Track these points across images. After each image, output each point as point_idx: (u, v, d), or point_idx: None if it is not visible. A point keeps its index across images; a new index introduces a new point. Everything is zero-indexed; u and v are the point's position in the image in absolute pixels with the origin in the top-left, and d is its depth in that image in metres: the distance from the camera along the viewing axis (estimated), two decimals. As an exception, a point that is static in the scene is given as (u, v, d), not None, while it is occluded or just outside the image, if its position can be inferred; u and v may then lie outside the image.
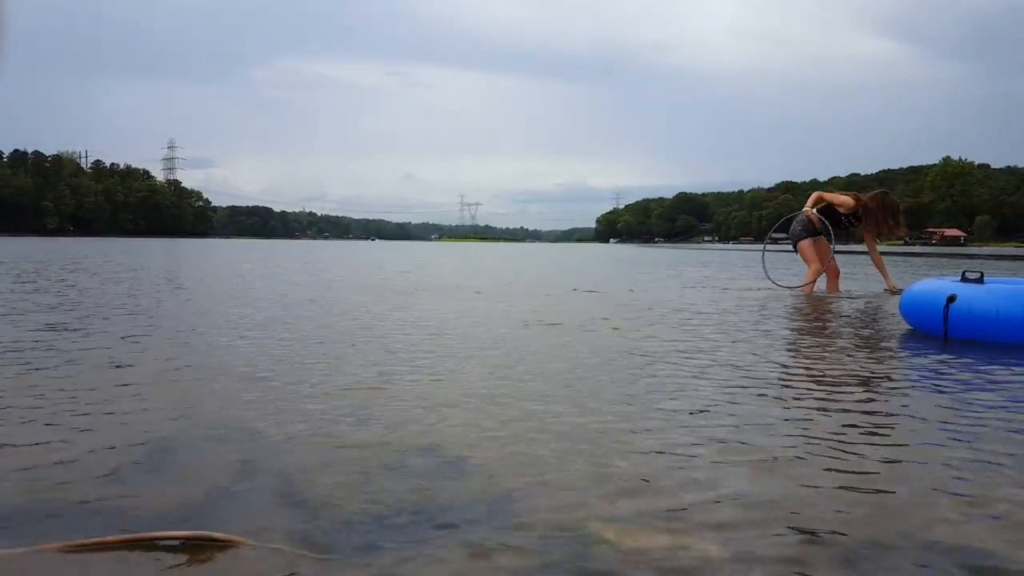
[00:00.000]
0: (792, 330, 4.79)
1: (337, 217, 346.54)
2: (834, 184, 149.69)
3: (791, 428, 2.26)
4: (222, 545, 1.37)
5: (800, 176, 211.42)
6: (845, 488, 1.73)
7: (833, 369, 3.32)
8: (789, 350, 3.90)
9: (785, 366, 3.41)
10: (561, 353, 3.72)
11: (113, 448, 1.99)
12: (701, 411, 2.46)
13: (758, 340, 4.17)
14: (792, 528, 1.48)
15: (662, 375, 3.10)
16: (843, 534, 1.46)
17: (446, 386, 2.85)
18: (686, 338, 4.23)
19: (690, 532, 1.46)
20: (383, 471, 1.82)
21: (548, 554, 1.35)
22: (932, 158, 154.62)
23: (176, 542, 1.38)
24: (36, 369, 3.14)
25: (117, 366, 3.24)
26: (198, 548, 1.37)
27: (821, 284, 8.11)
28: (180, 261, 17.69)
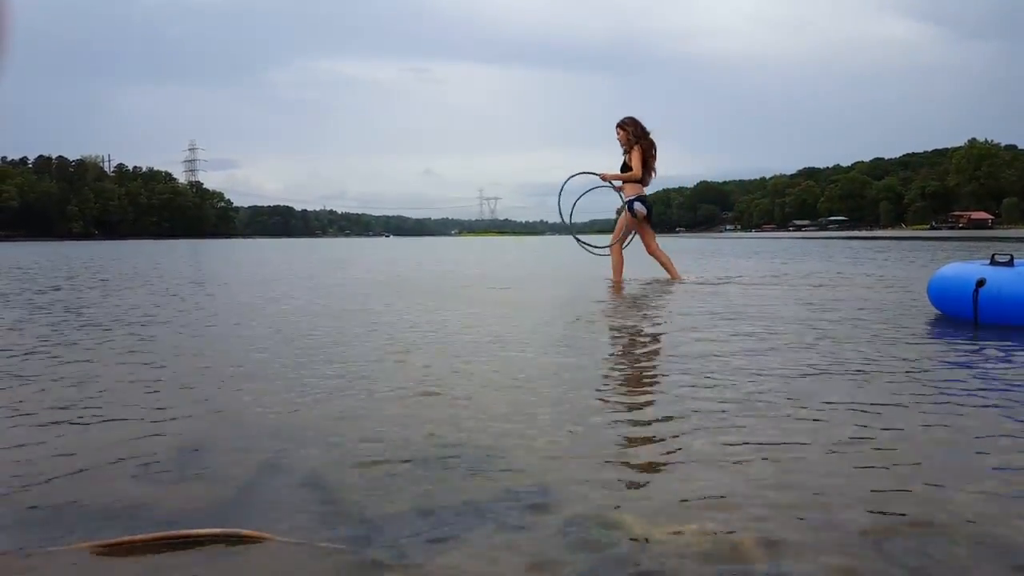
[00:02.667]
0: (817, 317, 4.63)
1: (357, 215, 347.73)
2: (857, 169, 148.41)
3: (829, 418, 2.19)
4: (251, 541, 1.38)
5: (823, 162, 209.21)
6: (879, 478, 1.68)
7: (865, 356, 3.22)
8: (821, 338, 3.76)
9: (819, 354, 3.30)
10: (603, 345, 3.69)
11: (144, 445, 2.01)
12: (739, 400, 2.41)
13: (788, 327, 4.09)
14: (831, 522, 1.44)
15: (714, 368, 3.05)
16: (874, 521, 1.43)
17: (498, 391, 2.74)
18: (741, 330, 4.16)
19: (728, 523, 1.43)
20: (414, 467, 1.81)
21: (578, 549, 1.33)
22: (957, 140, 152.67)
23: (206, 540, 1.39)
24: (64, 363, 3.16)
25: (160, 365, 3.22)
26: (228, 545, 1.37)
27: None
28: (202, 259, 17.94)
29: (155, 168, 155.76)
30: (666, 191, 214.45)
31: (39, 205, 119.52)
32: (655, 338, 4.02)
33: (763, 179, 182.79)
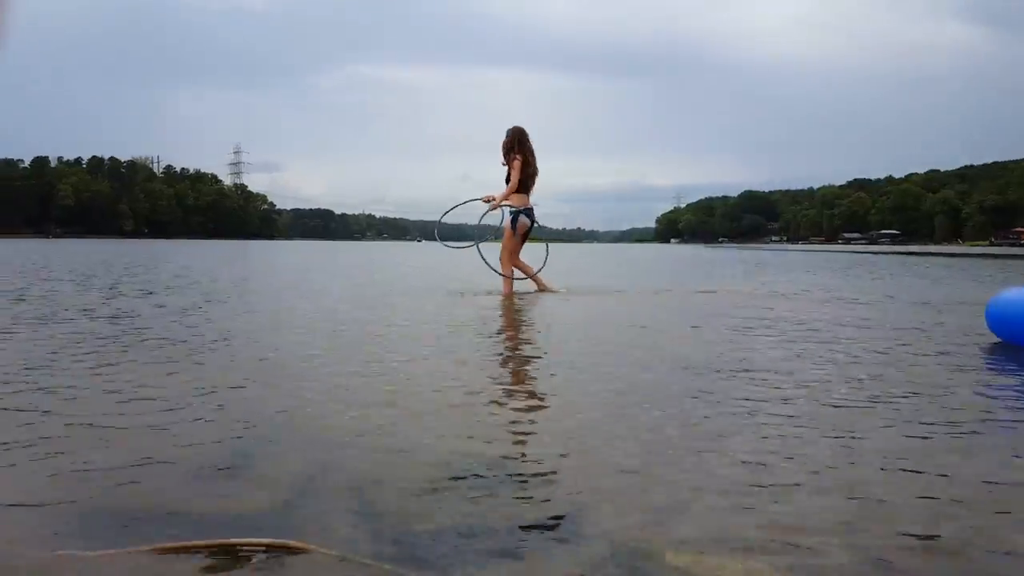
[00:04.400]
0: (867, 348, 4.56)
1: (395, 219, 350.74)
2: (911, 181, 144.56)
3: (884, 448, 2.13)
4: (297, 552, 1.40)
5: (875, 173, 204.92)
6: (935, 520, 1.61)
7: (922, 386, 3.09)
8: (879, 361, 3.69)
9: (876, 380, 3.21)
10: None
11: (197, 450, 2.07)
12: (797, 427, 2.36)
13: (839, 352, 4.05)
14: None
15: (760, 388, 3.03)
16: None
17: (560, 406, 2.71)
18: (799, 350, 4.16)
19: (767, 559, 1.40)
20: (457, 482, 1.81)
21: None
22: (1019, 152, 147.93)
23: (255, 548, 1.42)
24: (112, 363, 3.19)
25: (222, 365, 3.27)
26: (275, 554, 1.40)
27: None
28: (255, 261, 18.72)
29: (202, 170, 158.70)
30: (709, 200, 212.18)
31: (93, 204, 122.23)
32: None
33: (811, 189, 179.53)
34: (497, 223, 8.16)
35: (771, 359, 3.69)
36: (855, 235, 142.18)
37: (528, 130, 7.85)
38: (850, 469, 1.94)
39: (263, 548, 1.42)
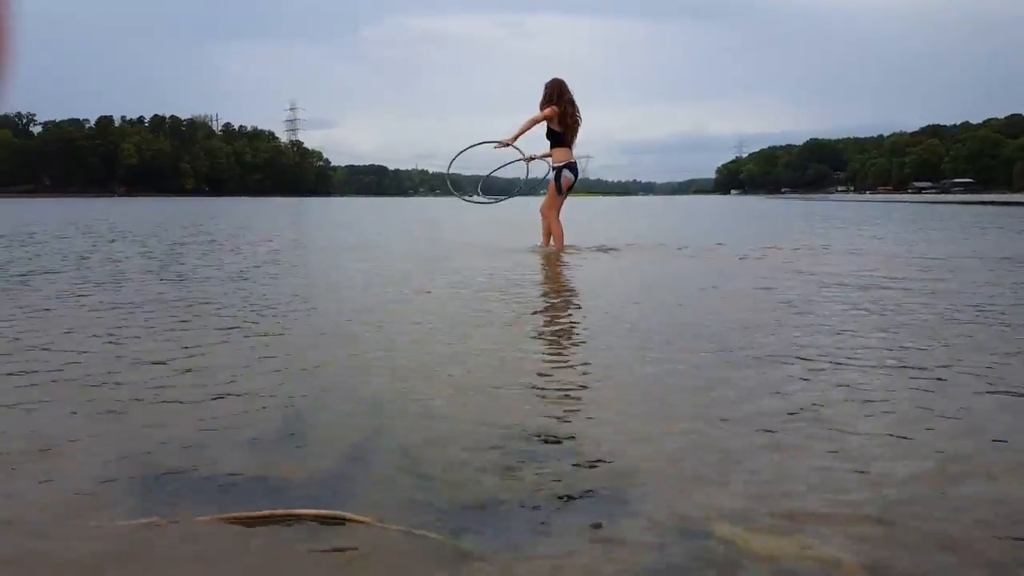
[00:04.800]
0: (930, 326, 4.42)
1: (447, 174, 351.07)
2: (990, 127, 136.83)
3: (946, 431, 1.95)
4: (354, 523, 1.41)
5: (949, 119, 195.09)
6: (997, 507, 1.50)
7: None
8: (963, 321, 3.58)
9: (941, 365, 3.05)
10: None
11: (257, 417, 2.07)
12: (861, 402, 2.21)
13: (913, 321, 3.93)
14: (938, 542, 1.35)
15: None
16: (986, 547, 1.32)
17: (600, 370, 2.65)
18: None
19: (821, 537, 1.36)
20: (513, 452, 1.78)
21: (670, 553, 1.31)
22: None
23: (314, 519, 1.43)
24: (174, 328, 3.30)
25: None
26: (332, 525, 1.41)
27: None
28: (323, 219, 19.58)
29: (259, 127, 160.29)
30: (772, 149, 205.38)
31: (155, 162, 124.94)
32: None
33: (880, 137, 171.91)
34: (540, 176, 7.92)
35: (839, 326, 3.47)
36: (926, 184, 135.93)
37: (572, 82, 7.50)
38: (925, 441, 1.84)
39: (322, 519, 1.43)
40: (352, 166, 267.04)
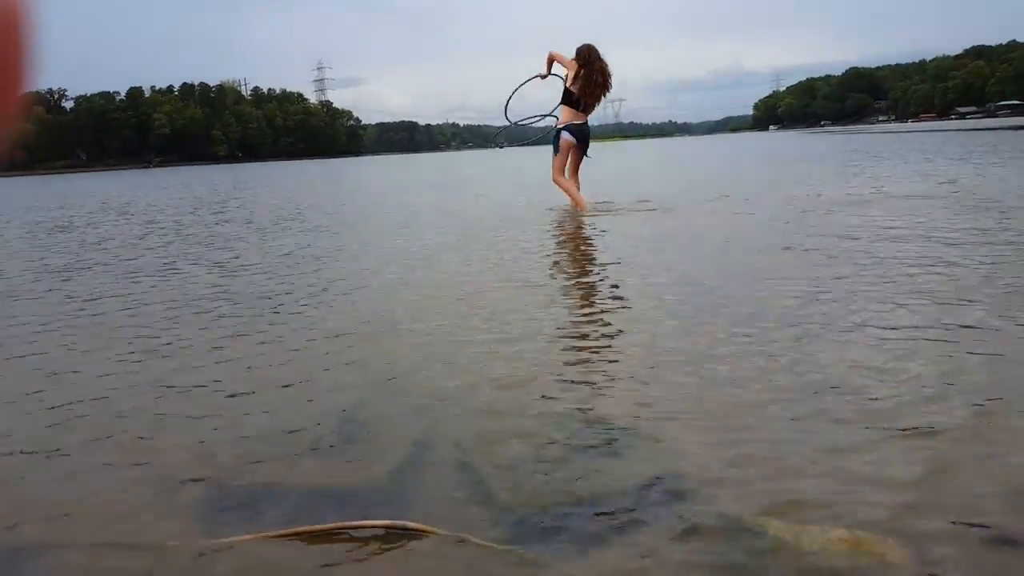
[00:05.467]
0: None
1: (479, 126, 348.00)
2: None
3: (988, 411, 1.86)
4: (416, 534, 1.41)
5: (994, 38, 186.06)
6: None
7: None
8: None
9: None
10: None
11: (311, 420, 2.03)
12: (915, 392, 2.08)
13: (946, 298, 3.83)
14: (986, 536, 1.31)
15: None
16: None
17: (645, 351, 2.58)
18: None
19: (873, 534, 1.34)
20: (566, 455, 1.73)
21: (722, 554, 1.30)
22: None
23: (376, 530, 1.43)
24: (238, 335, 3.28)
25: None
26: (395, 537, 1.41)
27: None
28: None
29: (288, 89, 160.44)
30: (810, 80, 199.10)
31: (187, 131, 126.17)
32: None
33: (923, 62, 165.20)
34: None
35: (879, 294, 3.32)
36: (970, 109, 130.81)
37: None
38: (979, 437, 1.72)
39: (382, 529, 1.43)
40: (383, 123, 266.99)
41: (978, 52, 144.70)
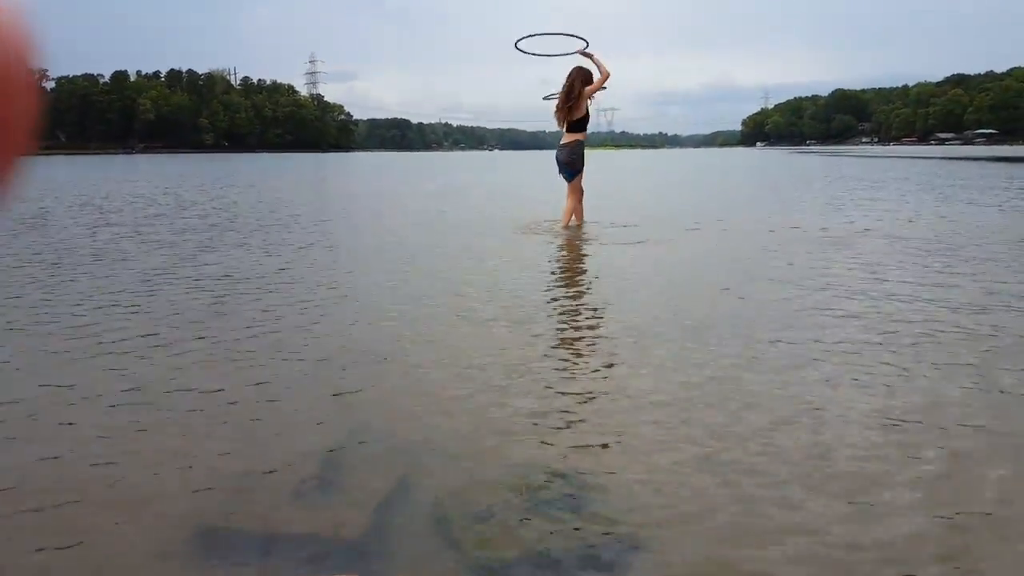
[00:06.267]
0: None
1: (471, 127, 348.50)
2: (1014, 76, 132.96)
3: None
4: None
5: (974, 67, 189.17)
6: None
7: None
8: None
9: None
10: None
11: (295, 455, 2.07)
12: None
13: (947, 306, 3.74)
14: None
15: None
16: None
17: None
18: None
19: None
20: (540, 502, 1.80)
21: None
22: None
23: None
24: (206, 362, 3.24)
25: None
26: None
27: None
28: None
29: (278, 81, 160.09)
30: (797, 100, 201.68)
31: (173, 118, 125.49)
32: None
33: (906, 87, 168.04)
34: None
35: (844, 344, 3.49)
36: (949, 135, 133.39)
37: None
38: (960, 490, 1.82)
39: None
40: (374, 120, 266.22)
41: (958, 80, 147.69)
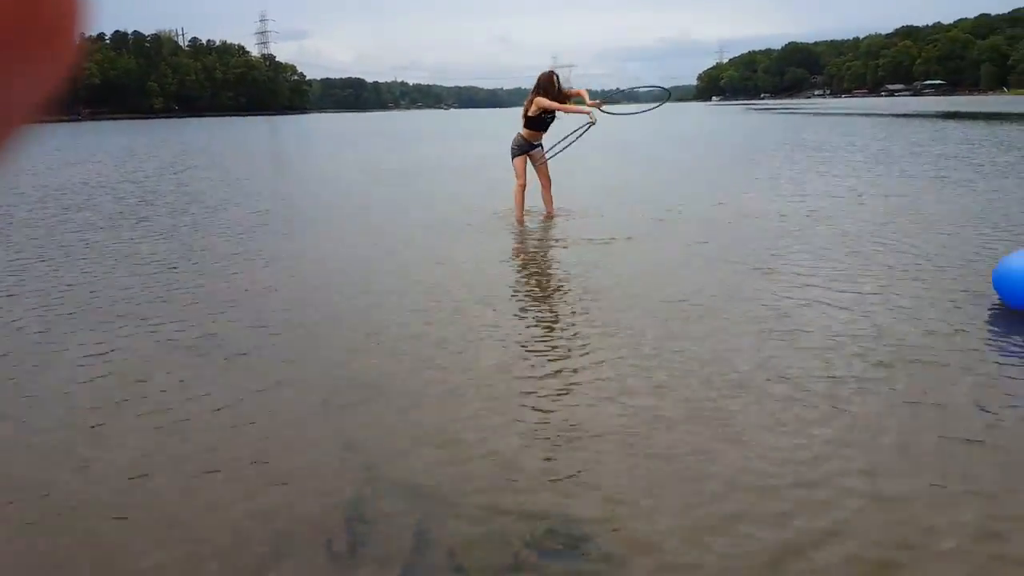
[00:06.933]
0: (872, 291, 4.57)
1: (428, 86, 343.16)
2: (960, 27, 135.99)
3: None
4: None
5: (922, 19, 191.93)
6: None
7: (919, 346, 3.65)
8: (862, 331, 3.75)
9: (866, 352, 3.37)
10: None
11: (317, 515, 2.28)
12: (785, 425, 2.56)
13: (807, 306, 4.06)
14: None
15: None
16: None
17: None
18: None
19: None
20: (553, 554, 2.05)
21: None
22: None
23: None
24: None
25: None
26: None
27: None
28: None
29: (228, 41, 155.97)
30: (751, 54, 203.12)
31: (120, 82, 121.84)
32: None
33: (857, 39, 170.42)
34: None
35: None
36: (899, 87, 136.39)
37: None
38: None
39: None
40: (328, 79, 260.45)
41: (907, 32, 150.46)
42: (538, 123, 7.81)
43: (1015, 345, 3.69)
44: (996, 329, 3.96)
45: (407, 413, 3.01)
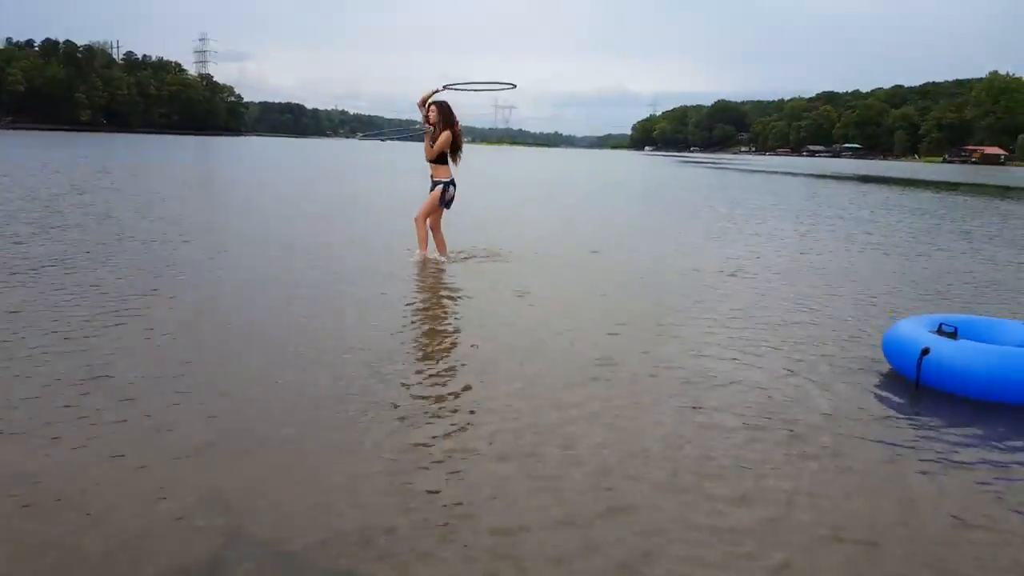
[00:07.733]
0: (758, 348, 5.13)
1: (370, 116, 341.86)
2: (876, 96, 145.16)
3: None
4: None
5: (842, 86, 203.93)
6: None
7: (802, 403, 4.12)
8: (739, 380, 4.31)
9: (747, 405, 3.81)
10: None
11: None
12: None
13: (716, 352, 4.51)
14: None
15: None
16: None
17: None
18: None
19: None
20: None
21: None
22: (981, 71, 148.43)
23: None
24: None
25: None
26: None
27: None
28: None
29: (165, 58, 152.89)
30: (683, 108, 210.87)
31: (46, 91, 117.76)
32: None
33: (781, 101, 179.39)
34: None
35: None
36: (819, 148, 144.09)
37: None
38: None
39: None
40: (266, 103, 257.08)
41: (828, 97, 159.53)
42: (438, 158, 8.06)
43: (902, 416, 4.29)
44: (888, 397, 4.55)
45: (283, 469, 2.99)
